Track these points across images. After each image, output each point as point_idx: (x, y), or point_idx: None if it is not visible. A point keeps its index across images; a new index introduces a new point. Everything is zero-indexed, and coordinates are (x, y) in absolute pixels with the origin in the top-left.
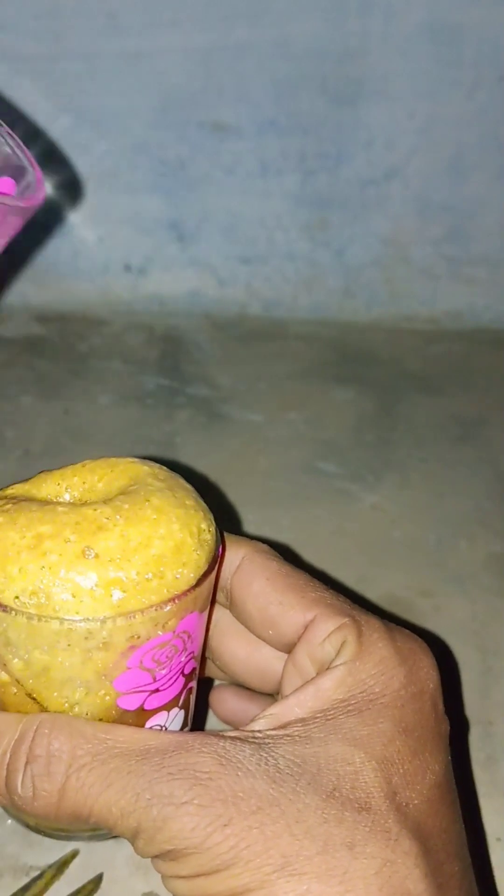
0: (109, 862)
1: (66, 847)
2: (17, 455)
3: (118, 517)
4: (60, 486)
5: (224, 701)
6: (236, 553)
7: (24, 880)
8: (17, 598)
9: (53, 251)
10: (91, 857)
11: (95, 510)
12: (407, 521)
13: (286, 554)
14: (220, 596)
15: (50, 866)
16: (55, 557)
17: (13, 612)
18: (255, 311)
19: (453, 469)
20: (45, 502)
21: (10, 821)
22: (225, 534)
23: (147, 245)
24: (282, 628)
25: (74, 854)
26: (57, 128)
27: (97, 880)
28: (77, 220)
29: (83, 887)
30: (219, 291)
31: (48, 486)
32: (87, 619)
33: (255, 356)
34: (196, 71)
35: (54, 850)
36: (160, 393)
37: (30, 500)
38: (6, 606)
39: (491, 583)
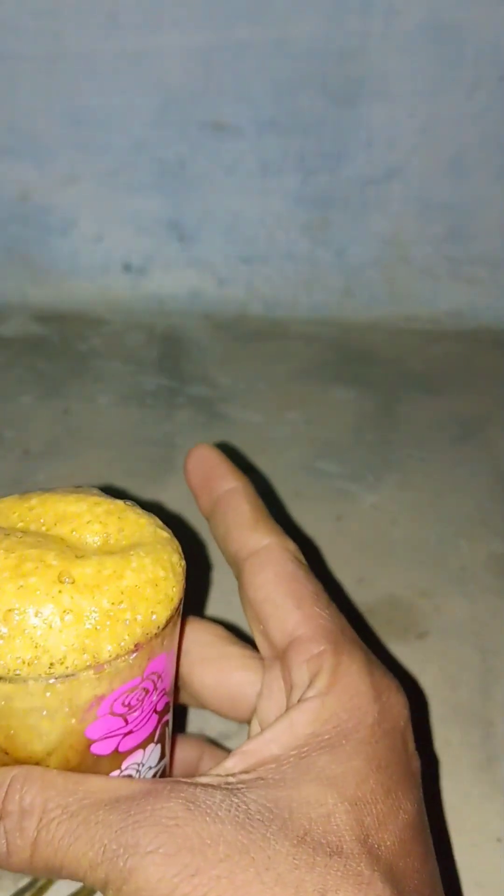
0: None
1: None
2: (16, 455)
3: (97, 553)
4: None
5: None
6: (263, 537)
7: (25, 880)
8: None
9: (53, 251)
10: None
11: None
12: (407, 521)
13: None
14: (233, 570)
15: None
16: (34, 579)
17: None
18: (256, 311)
19: (454, 469)
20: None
21: None
22: (263, 515)
23: (147, 245)
24: (270, 630)
25: None
26: (57, 128)
27: None
28: (77, 219)
29: (83, 888)
30: (219, 291)
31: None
32: (51, 676)
33: (255, 356)
34: (196, 71)
35: None
36: (160, 393)
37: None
38: None
39: (491, 583)
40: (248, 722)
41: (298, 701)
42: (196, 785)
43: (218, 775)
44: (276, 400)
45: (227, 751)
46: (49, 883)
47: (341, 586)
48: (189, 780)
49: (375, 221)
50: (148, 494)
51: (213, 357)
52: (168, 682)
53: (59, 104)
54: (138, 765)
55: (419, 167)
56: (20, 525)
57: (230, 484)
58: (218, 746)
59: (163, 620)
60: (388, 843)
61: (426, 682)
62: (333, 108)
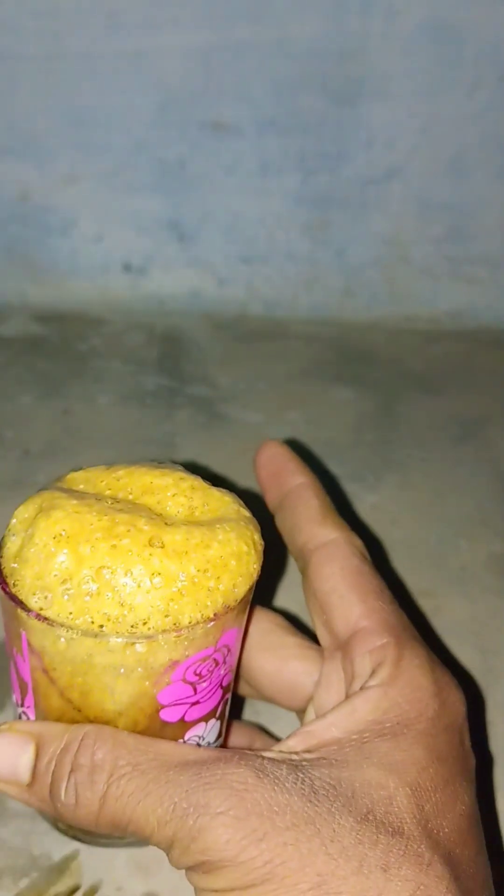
0: (109, 863)
1: (65, 847)
2: (16, 455)
3: (184, 523)
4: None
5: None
6: (331, 532)
7: (25, 881)
8: (82, 580)
9: (53, 251)
10: (91, 858)
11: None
12: (407, 521)
13: (285, 550)
14: (298, 562)
15: (50, 867)
16: (126, 541)
17: (63, 628)
18: (256, 311)
19: (454, 469)
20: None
21: (10, 824)
22: (330, 511)
23: (147, 245)
24: (334, 621)
25: (74, 854)
26: (57, 128)
27: (97, 881)
28: (77, 219)
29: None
30: (219, 291)
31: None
32: (133, 635)
33: (255, 356)
34: (196, 71)
35: (54, 851)
36: (160, 393)
37: (99, 493)
38: (52, 621)
39: (491, 583)
40: (302, 711)
41: (360, 689)
42: (263, 756)
43: (281, 752)
44: (276, 400)
45: (278, 739)
46: (49, 883)
47: None
48: (255, 753)
49: (375, 221)
50: None
51: (213, 357)
52: (234, 660)
53: (59, 104)
54: (199, 738)
55: (419, 167)
56: (108, 493)
57: (299, 479)
58: (268, 735)
59: (241, 594)
60: (447, 830)
61: None
62: (333, 108)
